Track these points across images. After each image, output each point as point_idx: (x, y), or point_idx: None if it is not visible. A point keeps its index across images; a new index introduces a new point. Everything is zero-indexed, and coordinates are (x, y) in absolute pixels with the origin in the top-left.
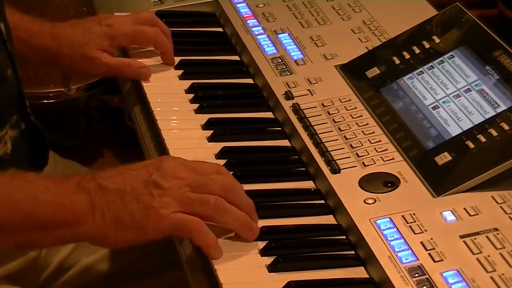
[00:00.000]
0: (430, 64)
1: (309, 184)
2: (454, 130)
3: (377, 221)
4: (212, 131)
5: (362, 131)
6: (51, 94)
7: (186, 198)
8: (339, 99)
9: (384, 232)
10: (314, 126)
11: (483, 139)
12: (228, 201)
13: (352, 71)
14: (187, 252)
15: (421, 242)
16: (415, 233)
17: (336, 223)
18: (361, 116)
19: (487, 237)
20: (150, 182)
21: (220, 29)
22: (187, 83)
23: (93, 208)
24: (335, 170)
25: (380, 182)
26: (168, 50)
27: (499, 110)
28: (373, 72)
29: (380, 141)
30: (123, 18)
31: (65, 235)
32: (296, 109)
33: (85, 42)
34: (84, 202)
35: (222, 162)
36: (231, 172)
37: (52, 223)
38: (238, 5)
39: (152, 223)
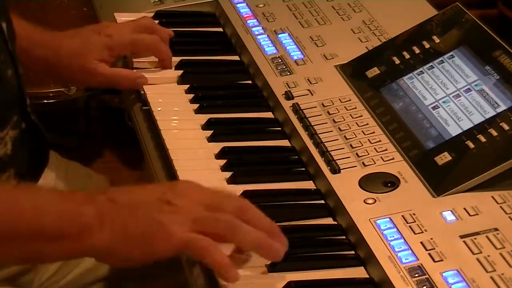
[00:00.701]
0: (430, 64)
1: (309, 184)
2: (454, 130)
3: (377, 221)
4: (212, 131)
5: (362, 131)
6: (51, 94)
7: (199, 216)
8: (339, 99)
9: (384, 232)
10: (314, 126)
11: (483, 139)
12: (243, 221)
13: (352, 71)
14: (187, 256)
15: (421, 242)
16: (415, 233)
17: (336, 223)
18: (361, 116)
19: (487, 237)
20: (163, 199)
21: (220, 29)
22: (187, 83)
23: (102, 221)
24: (335, 170)
25: (380, 182)
26: (166, 58)
27: (499, 110)
28: (373, 72)
29: (380, 141)
30: (122, 27)
31: (71, 248)
32: (296, 109)
33: (84, 53)
34: (92, 214)
35: (222, 162)
36: (231, 172)
37: (57, 234)
38: (238, 5)
39: (162, 240)
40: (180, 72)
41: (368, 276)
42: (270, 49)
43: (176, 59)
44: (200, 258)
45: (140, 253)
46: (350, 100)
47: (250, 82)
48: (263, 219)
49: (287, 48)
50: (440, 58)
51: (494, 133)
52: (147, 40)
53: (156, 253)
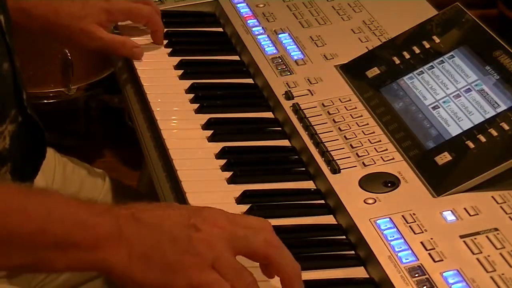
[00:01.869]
0: (430, 64)
1: (309, 184)
2: (454, 130)
3: (377, 221)
4: (212, 131)
5: (362, 131)
6: (51, 94)
7: (221, 262)
8: (339, 99)
9: (384, 232)
10: (314, 126)
11: (483, 139)
12: (268, 259)
13: (352, 71)
14: None
15: (421, 242)
16: (415, 233)
17: (336, 223)
18: (361, 116)
19: (487, 237)
20: (189, 225)
21: (220, 29)
22: (187, 83)
23: (120, 237)
24: (335, 170)
25: (380, 182)
26: (159, 29)
27: (499, 110)
28: (373, 72)
29: (380, 141)
30: None
31: (82, 259)
32: (296, 109)
33: (83, 15)
34: (109, 227)
35: (222, 162)
36: (231, 172)
37: (68, 241)
38: (238, 5)
39: (184, 271)
40: (180, 71)
41: (368, 276)
42: (270, 49)
43: (176, 59)
44: None
45: (159, 280)
46: (350, 100)
47: (250, 82)
48: (289, 261)
49: (287, 48)
50: (440, 58)
51: (494, 133)
52: (144, 10)
53: (177, 281)
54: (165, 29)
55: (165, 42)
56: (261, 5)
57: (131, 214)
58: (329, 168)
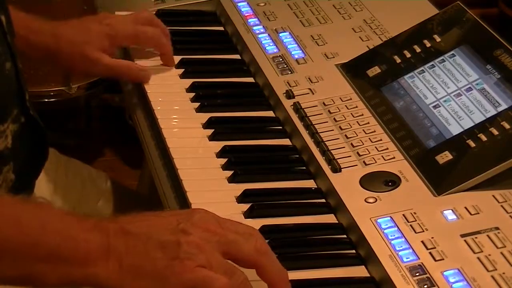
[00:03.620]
0: (431, 63)
1: (310, 183)
2: (455, 129)
3: (378, 220)
4: (212, 130)
5: (363, 130)
6: (52, 93)
7: (212, 261)
8: (340, 98)
9: (385, 231)
10: (315, 125)
11: (484, 138)
12: (258, 265)
13: (353, 70)
14: None
15: (422, 241)
16: (416, 232)
17: (337, 222)
18: (362, 115)
19: (488, 236)
20: (178, 230)
21: (221, 28)
22: (188, 82)
23: (108, 252)
24: (336, 169)
25: (381, 181)
26: (168, 52)
27: (500, 109)
28: (374, 71)
29: (381, 140)
30: (124, 18)
31: (73, 274)
32: (297, 108)
33: (85, 42)
34: (98, 243)
35: (222, 161)
36: (232, 171)
37: (59, 255)
38: (239, 4)
39: (177, 275)
40: (181, 70)
41: (369, 275)
42: (271, 48)
43: (177, 58)
44: None
45: (151, 287)
46: (351, 99)
47: (251, 81)
48: (279, 268)
49: (288, 47)
50: (441, 57)
51: (495, 132)
52: (150, 32)
53: (170, 287)
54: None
55: None
56: (262, 4)
57: (119, 228)
58: (329, 167)
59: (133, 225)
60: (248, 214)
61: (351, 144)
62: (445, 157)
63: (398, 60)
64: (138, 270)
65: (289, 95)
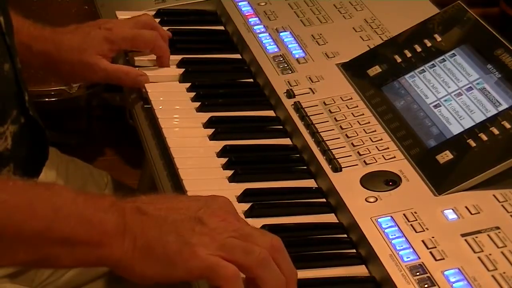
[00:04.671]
0: (431, 63)
1: (310, 183)
2: (455, 129)
3: (379, 220)
4: (213, 130)
5: (364, 129)
6: (52, 93)
7: (229, 243)
8: (341, 97)
9: (386, 230)
10: (315, 125)
11: (484, 137)
12: (273, 263)
13: (354, 69)
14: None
15: (423, 241)
16: (416, 232)
17: (337, 221)
18: (363, 114)
19: (488, 235)
20: (195, 218)
21: (222, 28)
22: (189, 81)
23: (124, 230)
24: (337, 168)
25: (381, 181)
26: (164, 55)
27: (500, 108)
28: (375, 70)
29: (381, 139)
30: (122, 23)
31: (88, 255)
32: (298, 107)
33: (84, 48)
34: (115, 222)
35: (223, 160)
36: (233, 171)
37: (74, 238)
38: (240, 4)
39: (185, 261)
40: (181, 70)
41: (369, 275)
42: (271, 47)
43: (177, 57)
44: (218, 285)
45: (160, 271)
46: (351, 98)
47: (251, 80)
48: (289, 265)
49: (289, 46)
50: (442, 57)
51: (496, 131)
52: (147, 36)
53: (177, 272)
54: (167, 28)
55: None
56: (263, 3)
57: (136, 208)
58: (330, 166)
59: (151, 207)
60: (248, 214)
61: (352, 143)
62: (445, 156)
63: (399, 60)
64: (150, 252)
65: (290, 94)
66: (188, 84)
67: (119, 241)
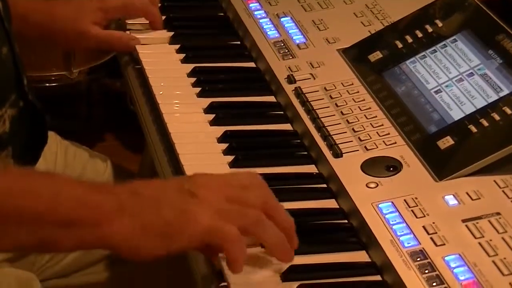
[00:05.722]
0: (432, 48)
1: (311, 168)
2: (456, 114)
3: (379, 205)
4: (214, 115)
5: (365, 115)
6: (53, 78)
7: (223, 209)
8: (342, 83)
9: (386, 216)
10: (316, 110)
11: (485, 123)
12: (267, 217)
13: (355, 55)
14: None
15: (423, 226)
16: (417, 217)
17: (338, 207)
18: (364, 100)
19: (489, 221)
20: (185, 191)
21: (222, 13)
22: (189, 66)
23: (123, 210)
24: (337, 154)
25: (382, 166)
26: (156, 20)
27: (502, 94)
28: (376, 56)
29: (382, 125)
30: None
31: (89, 237)
32: (298, 93)
33: (78, 17)
34: (112, 202)
35: (224, 146)
36: (233, 156)
37: (74, 220)
38: None
39: (185, 228)
40: (182, 55)
41: (370, 260)
42: (272, 32)
43: (178, 44)
44: (220, 248)
45: (162, 244)
46: (352, 84)
47: (252, 66)
48: (285, 217)
49: (290, 32)
50: (443, 42)
51: (497, 117)
52: (137, 4)
53: (179, 241)
54: (168, 14)
55: (166, 26)
56: None
57: (130, 190)
58: (331, 152)
59: (143, 188)
60: None
61: (353, 129)
62: (446, 142)
63: (400, 45)
64: (149, 228)
65: (291, 80)
66: (188, 70)
67: (118, 221)
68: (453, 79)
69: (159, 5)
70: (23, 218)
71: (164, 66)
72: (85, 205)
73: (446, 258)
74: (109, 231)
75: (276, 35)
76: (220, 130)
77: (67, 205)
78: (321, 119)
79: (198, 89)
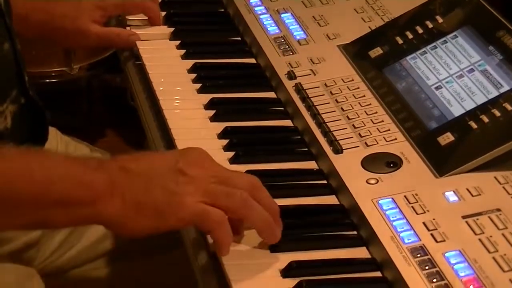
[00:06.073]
0: (433, 44)
1: (311, 164)
2: (457, 111)
3: (380, 201)
4: (214, 111)
5: (365, 111)
6: (53, 74)
7: (212, 189)
8: (342, 79)
9: (387, 212)
10: (316, 106)
11: (486, 119)
12: (253, 199)
13: (355, 51)
14: (190, 231)
15: (424, 223)
16: (417, 214)
17: (338, 203)
18: (364, 96)
19: (489, 217)
20: (176, 169)
21: (222, 9)
22: (190, 62)
23: (112, 188)
24: (338, 150)
25: (382, 162)
26: (155, 14)
27: (502, 90)
28: (376, 52)
29: (382, 121)
30: None
31: (82, 214)
32: (299, 89)
33: (77, 15)
34: (104, 180)
35: (224, 142)
36: (234, 152)
37: (68, 198)
38: None
39: (175, 210)
40: (182, 51)
41: (370, 257)
42: (272, 28)
43: (178, 39)
44: (207, 231)
45: (152, 223)
46: (352, 80)
47: (252, 62)
48: (270, 201)
49: (290, 27)
50: (443, 38)
51: (497, 113)
52: (136, 0)
53: (168, 222)
54: (168, 10)
55: (167, 22)
56: None
57: (121, 166)
58: (331, 148)
59: (134, 164)
60: None
61: (353, 125)
62: (447, 138)
63: (400, 41)
64: (140, 207)
65: (291, 76)
66: (189, 66)
67: (109, 198)
68: (454, 75)
69: (159, 1)
70: (21, 200)
71: (164, 62)
72: (79, 184)
73: (446, 254)
74: (101, 208)
75: (277, 31)
76: (220, 126)
77: (61, 185)
78: (322, 115)
79: (198, 85)
